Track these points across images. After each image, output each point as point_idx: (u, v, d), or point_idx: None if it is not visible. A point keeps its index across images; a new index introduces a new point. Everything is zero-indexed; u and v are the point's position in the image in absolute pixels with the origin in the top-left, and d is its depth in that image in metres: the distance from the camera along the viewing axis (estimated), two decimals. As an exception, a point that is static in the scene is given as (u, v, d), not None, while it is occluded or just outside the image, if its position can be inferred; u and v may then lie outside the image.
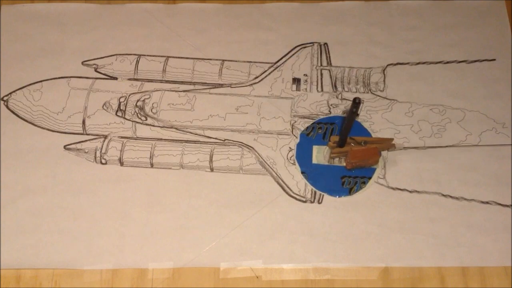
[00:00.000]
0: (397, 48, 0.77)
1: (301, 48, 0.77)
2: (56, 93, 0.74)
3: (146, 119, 0.72)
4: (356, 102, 0.54)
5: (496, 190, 0.67)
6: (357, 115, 0.62)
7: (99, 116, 0.72)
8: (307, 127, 0.70)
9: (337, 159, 0.67)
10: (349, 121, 0.59)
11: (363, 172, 0.67)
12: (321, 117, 0.70)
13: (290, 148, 0.70)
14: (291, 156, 0.69)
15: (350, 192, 0.67)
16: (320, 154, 0.69)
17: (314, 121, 0.70)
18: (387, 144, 0.67)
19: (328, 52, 0.77)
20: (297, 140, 0.69)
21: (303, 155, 0.69)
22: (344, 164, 0.67)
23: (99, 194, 0.67)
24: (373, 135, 0.70)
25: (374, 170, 0.67)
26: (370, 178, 0.67)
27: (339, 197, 0.66)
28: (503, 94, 0.73)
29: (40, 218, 0.66)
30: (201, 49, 0.77)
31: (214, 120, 0.72)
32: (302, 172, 0.68)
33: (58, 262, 0.63)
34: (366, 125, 0.71)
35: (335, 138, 0.65)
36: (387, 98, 0.73)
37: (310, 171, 0.68)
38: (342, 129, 0.62)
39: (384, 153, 0.69)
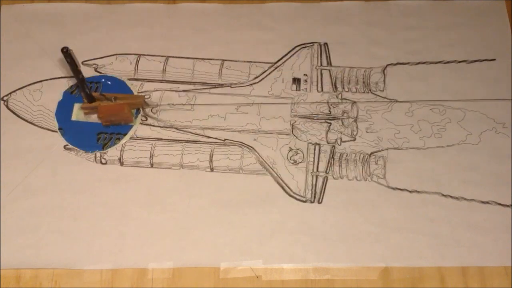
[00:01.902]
0: (397, 48, 0.77)
1: (301, 48, 0.77)
2: (56, 93, 0.74)
3: (146, 119, 0.72)
4: (64, 52, 0.57)
5: (496, 190, 0.67)
6: (76, 66, 0.62)
7: (99, 116, 0.72)
8: (72, 86, 0.73)
9: (95, 116, 0.70)
10: (74, 73, 0.61)
11: (119, 129, 0.70)
12: (89, 76, 0.73)
13: (290, 148, 0.70)
14: (291, 156, 0.70)
15: (103, 147, 0.69)
16: (80, 111, 0.71)
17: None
18: (138, 101, 0.69)
19: (328, 52, 0.77)
20: (60, 98, 0.72)
21: (63, 112, 0.72)
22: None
23: (99, 194, 0.67)
24: (373, 135, 0.70)
25: (130, 127, 0.70)
26: (125, 134, 0.70)
27: (91, 152, 0.69)
28: (503, 94, 0.73)
29: (40, 218, 0.66)
30: (201, 49, 0.77)
31: (214, 120, 0.72)
32: (59, 128, 0.70)
33: (58, 262, 0.63)
34: (365, 125, 0.71)
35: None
36: (387, 98, 0.73)
37: (68, 127, 0.70)
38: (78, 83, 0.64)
39: (384, 153, 0.69)
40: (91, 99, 0.67)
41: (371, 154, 0.70)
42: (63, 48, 0.56)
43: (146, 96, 0.68)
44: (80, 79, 0.63)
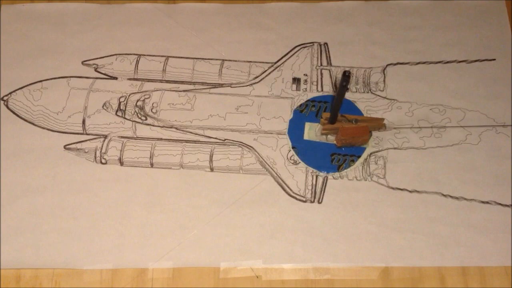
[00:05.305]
0: (397, 48, 0.77)
1: (301, 48, 0.77)
2: (56, 93, 0.74)
3: (146, 119, 0.72)
4: (346, 76, 0.54)
5: (496, 190, 0.67)
6: (347, 89, 0.62)
7: (99, 116, 0.72)
8: (301, 104, 0.71)
9: (328, 136, 0.68)
10: (339, 95, 0.59)
11: (352, 150, 0.69)
12: (315, 95, 0.72)
13: (290, 148, 0.70)
14: (291, 156, 0.70)
15: (338, 169, 0.68)
16: (311, 131, 0.70)
17: (308, 99, 0.71)
18: (378, 123, 0.68)
19: (328, 52, 0.77)
20: (291, 116, 0.71)
21: (295, 131, 0.71)
22: (335, 142, 0.68)
23: (99, 194, 0.67)
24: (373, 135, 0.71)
25: (364, 149, 0.68)
26: (359, 156, 0.68)
27: (327, 173, 0.68)
28: (503, 94, 0.73)
29: (40, 218, 0.66)
30: (201, 49, 0.77)
31: (214, 120, 0.72)
32: (293, 147, 0.69)
33: (58, 262, 0.64)
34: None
35: (326, 114, 0.67)
36: (387, 98, 0.73)
37: (301, 147, 0.69)
38: (333, 104, 0.63)
39: (384, 153, 0.69)
40: (335, 121, 0.65)
41: (371, 154, 0.70)
42: (345, 72, 0.54)
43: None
44: (340, 102, 0.62)
